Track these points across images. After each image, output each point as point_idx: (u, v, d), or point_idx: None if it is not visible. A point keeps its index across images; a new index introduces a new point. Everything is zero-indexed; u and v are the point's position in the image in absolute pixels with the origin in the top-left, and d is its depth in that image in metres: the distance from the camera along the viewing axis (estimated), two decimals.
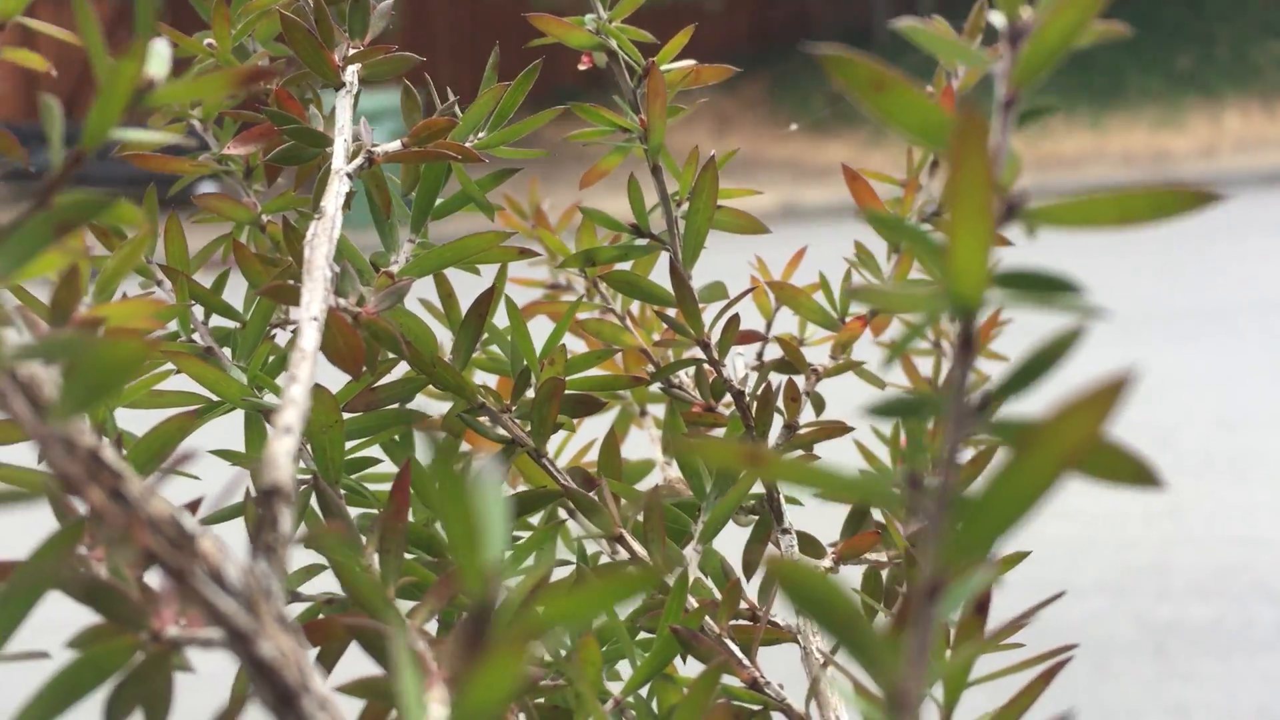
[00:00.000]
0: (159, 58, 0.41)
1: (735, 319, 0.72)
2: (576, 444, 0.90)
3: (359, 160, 0.64)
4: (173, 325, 0.75)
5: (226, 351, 0.75)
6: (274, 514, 0.40)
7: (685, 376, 0.77)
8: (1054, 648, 0.60)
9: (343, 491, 0.64)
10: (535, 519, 0.70)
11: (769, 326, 0.80)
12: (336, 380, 0.63)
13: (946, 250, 0.29)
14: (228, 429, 0.74)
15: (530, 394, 0.66)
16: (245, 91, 0.86)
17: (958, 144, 0.28)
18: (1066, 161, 11.08)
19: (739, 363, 0.77)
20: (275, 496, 0.40)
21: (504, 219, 0.98)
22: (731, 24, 14.72)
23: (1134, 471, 0.30)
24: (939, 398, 0.31)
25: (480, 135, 0.75)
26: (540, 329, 0.75)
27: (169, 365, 0.67)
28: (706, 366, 0.74)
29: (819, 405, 0.77)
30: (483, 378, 0.80)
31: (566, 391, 0.66)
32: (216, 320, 0.77)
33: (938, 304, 0.30)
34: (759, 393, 0.71)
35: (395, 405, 0.67)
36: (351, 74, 0.71)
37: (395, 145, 0.68)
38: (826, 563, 0.73)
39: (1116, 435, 0.31)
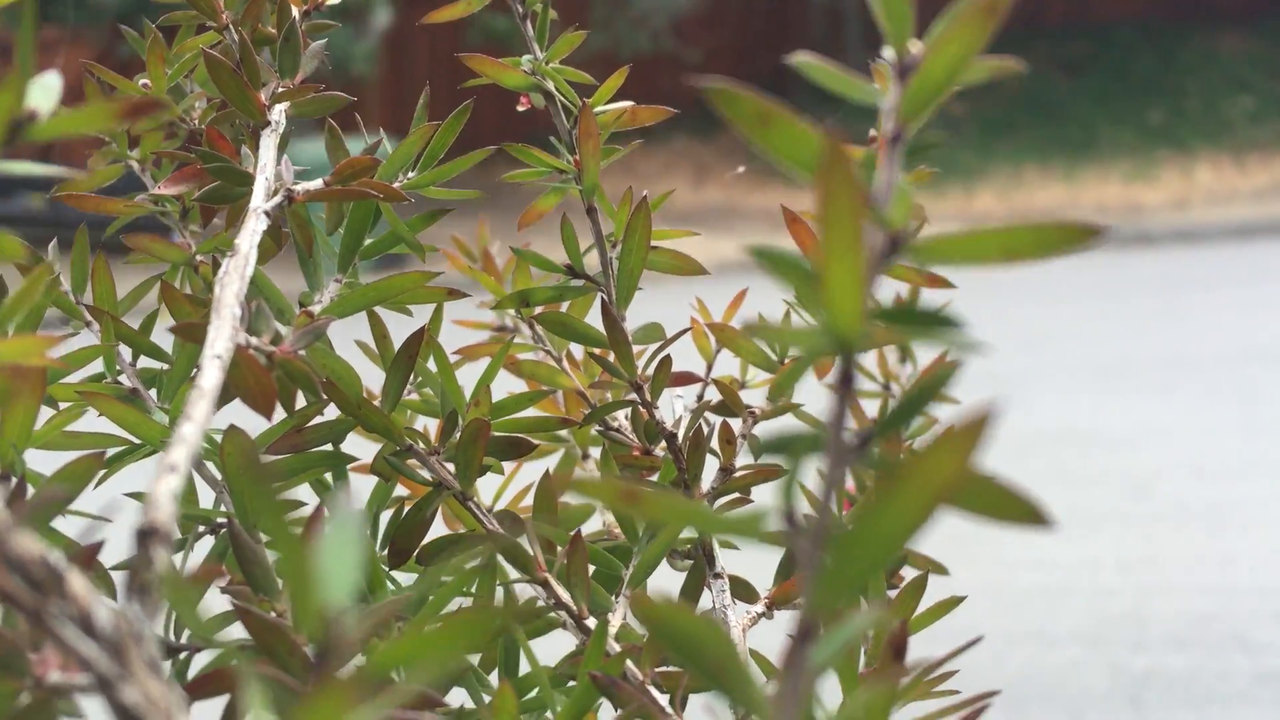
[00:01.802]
0: (45, 90, 0.39)
1: (667, 361, 0.71)
2: (523, 482, 0.89)
3: (277, 198, 0.63)
4: (100, 366, 0.73)
5: (154, 393, 0.73)
6: (149, 555, 0.38)
7: (623, 419, 0.76)
8: (975, 694, 0.58)
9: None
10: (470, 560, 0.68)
11: (709, 369, 0.79)
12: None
13: (821, 287, 0.28)
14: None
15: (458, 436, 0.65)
16: (183, 131, 0.85)
17: (824, 179, 0.27)
18: (1040, 212, 11.16)
19: (679, 405, 0.76)
20: (151, 537, 0.38)
21: (451, 260, 0.97)
22: (711, 75, 14.84)
23: (1018, 509, 0.28)
24: (818, 434, 0.30)
25: (410, 175, 0.74)
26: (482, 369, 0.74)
27: (89, 406, 0.66)
28: (641, 409, 0.72)
29: (756, 448, 0.76)
30: (423, 420, 0.78)
31: (496, 434, 0.65)
32: (146, 361, 0.75)
33: (818, 341, 0.29)
34: (690, 436, 0.69)
35: (324, 447, 0.66)
36: (278, 113, 0.70)
37: (317, 183, 0.67)
38: (759, 608, 0.72)
39: (1007, 474, 0.29)
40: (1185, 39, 14.12)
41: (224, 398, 0.51)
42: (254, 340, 0.53)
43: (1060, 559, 4.01)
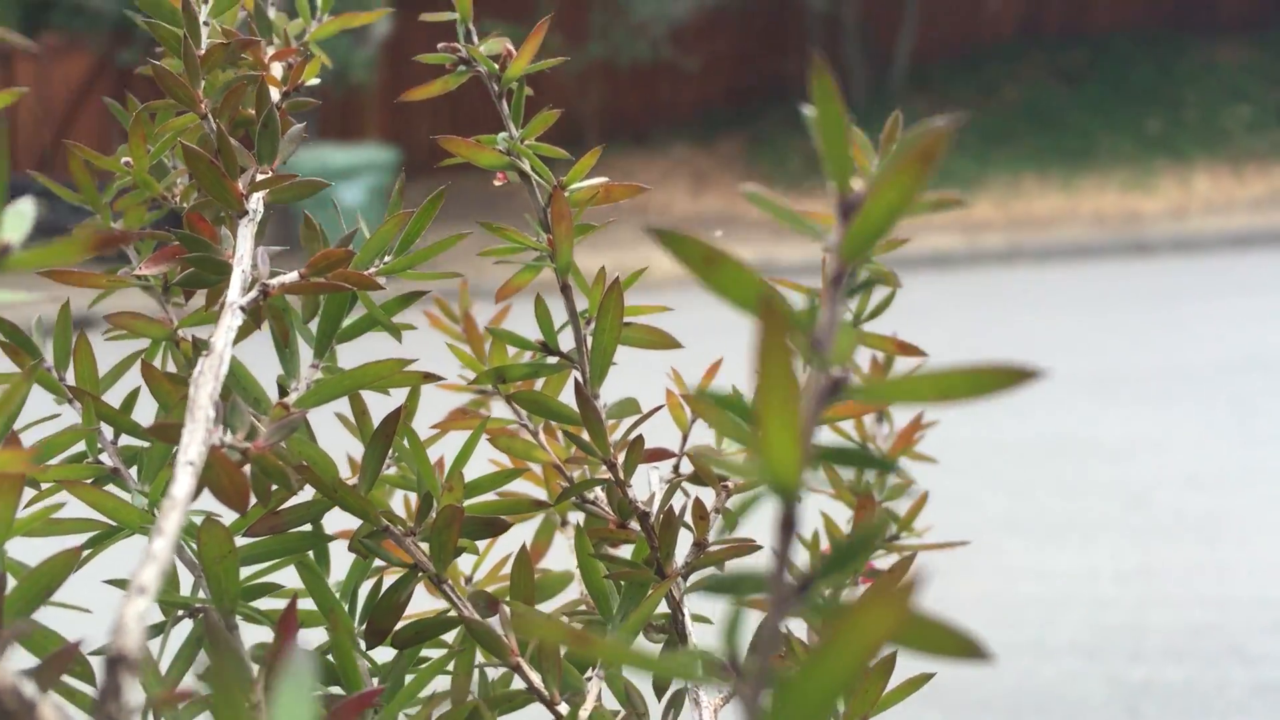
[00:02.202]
0: (17, 220, 0.40)
1: (639, 440, 0.72)
2: (505, 547, 0.89)
3: (253, 293, 0.64)
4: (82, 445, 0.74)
5: (134, 471, 0.74)
6: (116, 683, 0.38)
7: (600, 491, 0.77)
8: None
9: (240, 619, 0.63)
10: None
11: (685, 439, 0.80)
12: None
13: (760, 434, 0.29)
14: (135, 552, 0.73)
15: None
16: (166, 206, 0.86)
17: (761, 332, 0.28)
18: (1038, 222, 11.17)
19: (654, 477, 0.77)
20: (119, 665, 0.38)
21: (433, 322, 0.98)
22: (709, 83, 14.85)
23: (956, 645, 0.30)
24: (761, 577, 0.31)
25: (386, 259, 0.75)
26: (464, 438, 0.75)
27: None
28: (615, 486, 0.73)
29: (731, 521, 0.77)
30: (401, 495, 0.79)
31: (470, 515, 0.66)
32: (127, 438, 0.76)
33: (757, 478, 0.30)
34: (661, 515, 0.70)
35: (304, 527, 0.66)
36: (256, 201, 0.71)
37: (292, 276, 0.67)
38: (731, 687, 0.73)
39: (940, 610, 0.31)
40: (1183, 49, 14.14)
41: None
42: (228, 439, 0.53)
43: (1058, 569, 4.01)
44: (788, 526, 0.30)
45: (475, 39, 0.78)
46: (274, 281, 0.65)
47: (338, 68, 12.02)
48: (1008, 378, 0.32)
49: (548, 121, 0.74)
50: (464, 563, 0.80)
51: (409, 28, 13.59)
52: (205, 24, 0.76)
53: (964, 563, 4.10)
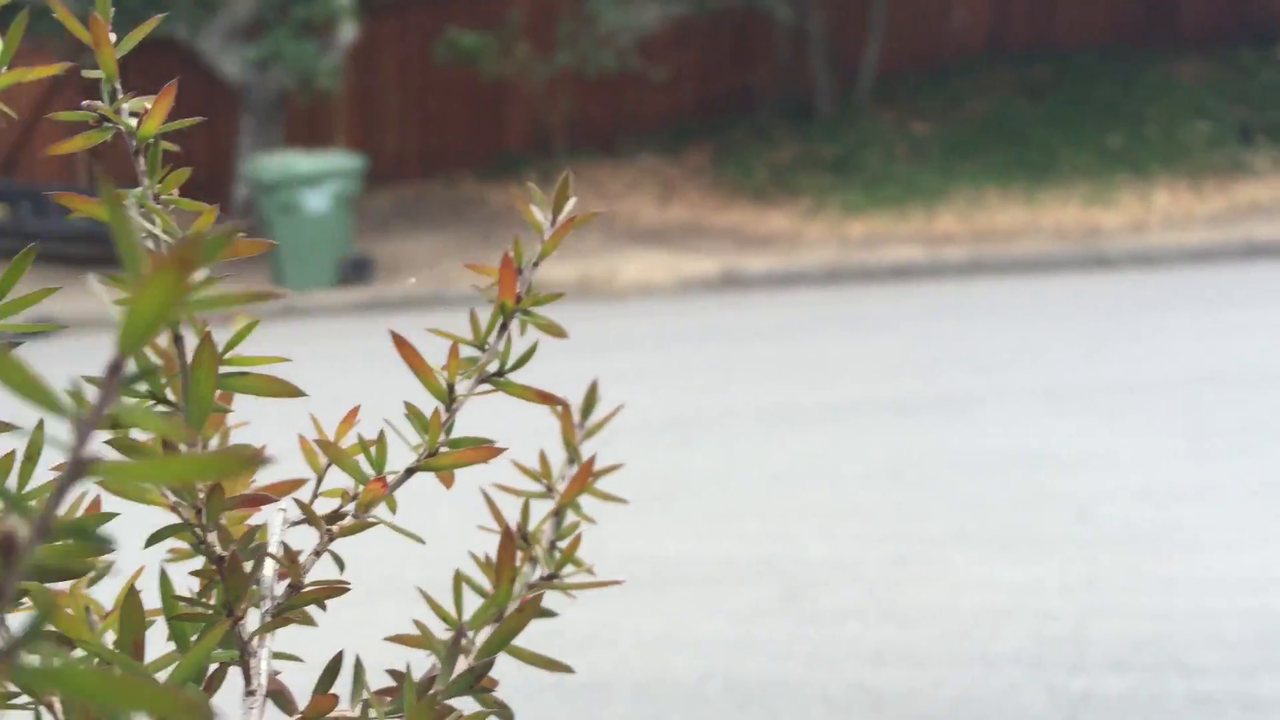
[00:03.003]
0: None
1: (218, 486, 0.72)
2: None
3: None
4: None
5: None
6: None
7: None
8: None
9: None
10: None
11: (320, 481, 0.83)
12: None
13: None
14: None
15: None
16: None
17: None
18: (1001, 235, 11.26)
19: (280, 518, 0.80)
20: None
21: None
22: (676, 93, 14.89)
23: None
24: None
25: None
26: None
27: None
28: (197, 530, 0.75)
29: (340, 563, 0.80)
30: None
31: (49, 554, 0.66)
32: None
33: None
34: (228, 560, 0.72)
35: None
36: None
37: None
38: None
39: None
40: (1145, 65, 14.28)
41: None
42: None
43: (1005, 581, 4.05)
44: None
45: (120, 95, 0.81)
46: None
47: (304, 75, 11.97)
48: (240, 464, 0.35)
49: (181, 178, 0.76)
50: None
51: (378, 34, 13.58)
52: None
53: (914, 574, 4.14)
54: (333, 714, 0.74)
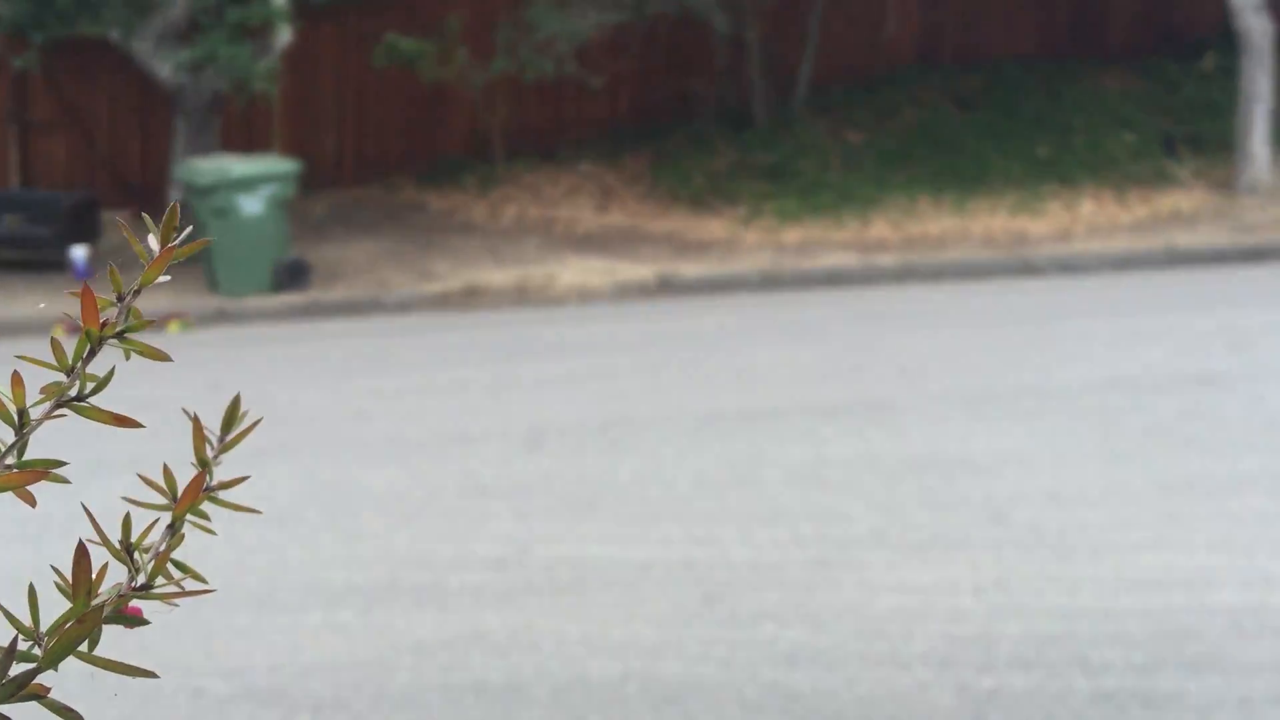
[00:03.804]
0: None
1: None
2: None
3: None
4: None
5: None
6: None
7: None
8: None
9: None
10: None
11: None
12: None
13: None
14: None
15: None
16: None
17: None
18: (931, 242, 11.44)
19: None
20: None
21: None
22: (614, 100, 14.97)
23: None
24: None
25: None
26: None
27: None
28: None
29: None
30: None
31: None
32: None
33: None
34: None
35: None
36: None
37: None
38: None
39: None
40: (1073, 77, 14.57)
41: None
42: None
43: (918, 582, 4.15)
44: None
45: None
46: None
47: (239, 78, 11.91)
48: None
49: None
50: None
51: (315, 38, 13.54)
52: None
53: (831, 577, 4.23)
54: None
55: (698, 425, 6.12)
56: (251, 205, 10.46)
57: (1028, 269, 10.44)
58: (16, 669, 0.70)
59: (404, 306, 10.28)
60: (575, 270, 11.27)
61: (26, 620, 0.73)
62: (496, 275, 11.08)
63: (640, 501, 5.05)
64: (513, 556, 4.47)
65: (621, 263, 11.47)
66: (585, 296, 10.80)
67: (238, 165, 10.73)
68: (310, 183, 12.32)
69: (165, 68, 11.88)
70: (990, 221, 11.66)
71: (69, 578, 0.73)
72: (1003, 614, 3.91)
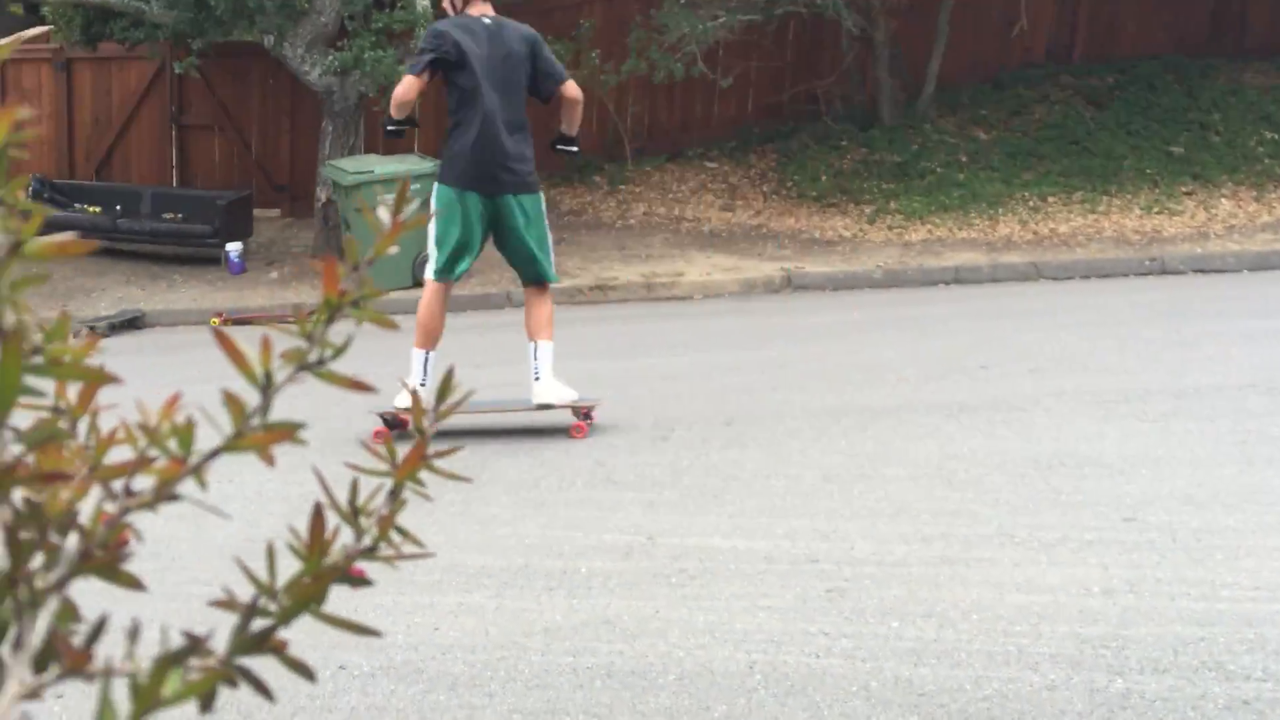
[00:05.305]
0: None
1: (16, 465, 0.73)
2: None
3: None
4: None
5: None
6: None
7: None
8: None
9: None
10: None
11: (138, 461, 0.85)
12: None
13: None
14: None
15: None
16: None
17: None
18: (1061, 240, 11.23)
19: (96, 493, 0.84)
20: None
21: None
22: (742, 99, 14.98)
23: None
24: None
25: None
26: None
27: None
28: None
29: (137, 534, 0.81)
30: None
31: None
32: None
33: None
34: (8, 527, 0.71)
35: None
36: None
37: None
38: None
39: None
40: (1210, 74, 14.14)
41: None
42: None
43: (1047, 582, 4.10)
44: None
45: None
46: None
47: (382, 81, 12.20)
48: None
49: (23, 183, 0.77)
50: None
51: None
52: None
53: (957, 574, 4.20)
54: (97, 666, 0.76)
55: (822, 420, 6.12)
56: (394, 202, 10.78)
57: (1161, 268, 10.20)
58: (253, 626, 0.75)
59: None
60: (701, 267, 11.31)
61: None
62: (624, 271, 11.18)
63: (765, 495, 5.08)
64: (640, 545, 4.54)
65: (747, 260, 11.48)
66: (710, 293, 10.84)
67: (381, 165, 11.03)
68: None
69: (315, 72, 12.25)
70: (1123, 220, 11.41)
71: (290, 541, 0.77)
72: (1135, 617, 3.84)
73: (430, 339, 6.23)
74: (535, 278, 6.33)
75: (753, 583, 4.19)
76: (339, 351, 0.79)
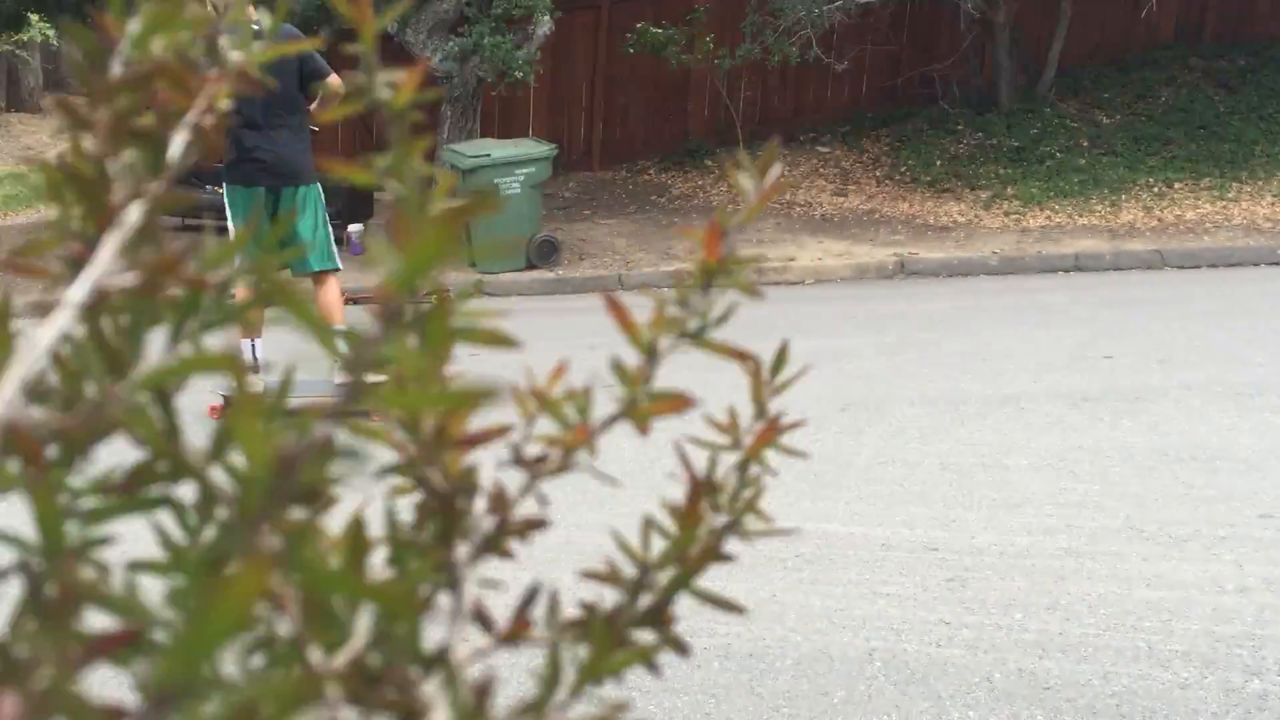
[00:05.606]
0: None
1: (444, 427, 0.77)
2: None
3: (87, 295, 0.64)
4: None
5: None
6: None
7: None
8: None
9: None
10: None
11: (529, 427, 0.88)
12: None
13: None
14: None
15: None
16: None
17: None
18: (1188, 227, 10.90)
19: (491, 459, 0.86)
20: None
21: None
22: (856, 83, 14.81)
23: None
24: None
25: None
26: None
27: None
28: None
29: (545, 501, 0.85)
30: None
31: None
32: None
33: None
34: (447, 494, 0.77)
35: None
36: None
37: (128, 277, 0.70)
38: (488, 641, 0.80)
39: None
40: None
41: None
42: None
43: (1178, 578, 3.98)
44: None
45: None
46: (111, 283, 0.65)
47: (500, 66, 12.34)
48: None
49: (423, 146, 0.80)
50: None
51: (570, 27, 13.86)
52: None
53: (1082, 567, 4.10)
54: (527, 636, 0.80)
55: (938, 408, 6.01)
56: (509, 186, 10.86)
57: None
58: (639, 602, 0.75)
59: (645, 283, 10.44)
60: (812, 252, 11.21)
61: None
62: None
63: (882, 482, 5.00)
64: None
65: (859, 245, 11.35)
66: (823, 277, 10.74)
67: (497, 149, 11.14)
68: (561, 165, 12.65)
69: (436, 57, 12.44)
70: (1254, 207, 11.03)
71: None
72: (1273, 615, 3.71)
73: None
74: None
75: (871, 569, 4.14)
76: (722, 320, 0.79)
